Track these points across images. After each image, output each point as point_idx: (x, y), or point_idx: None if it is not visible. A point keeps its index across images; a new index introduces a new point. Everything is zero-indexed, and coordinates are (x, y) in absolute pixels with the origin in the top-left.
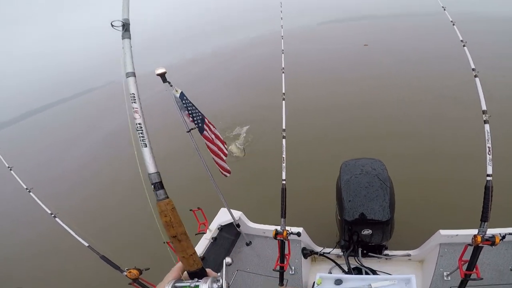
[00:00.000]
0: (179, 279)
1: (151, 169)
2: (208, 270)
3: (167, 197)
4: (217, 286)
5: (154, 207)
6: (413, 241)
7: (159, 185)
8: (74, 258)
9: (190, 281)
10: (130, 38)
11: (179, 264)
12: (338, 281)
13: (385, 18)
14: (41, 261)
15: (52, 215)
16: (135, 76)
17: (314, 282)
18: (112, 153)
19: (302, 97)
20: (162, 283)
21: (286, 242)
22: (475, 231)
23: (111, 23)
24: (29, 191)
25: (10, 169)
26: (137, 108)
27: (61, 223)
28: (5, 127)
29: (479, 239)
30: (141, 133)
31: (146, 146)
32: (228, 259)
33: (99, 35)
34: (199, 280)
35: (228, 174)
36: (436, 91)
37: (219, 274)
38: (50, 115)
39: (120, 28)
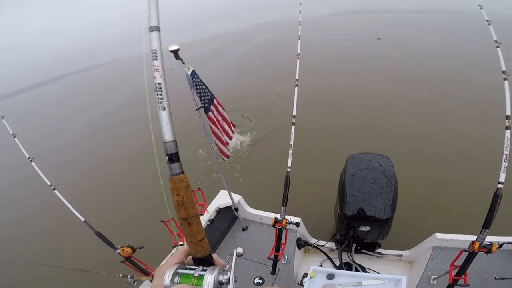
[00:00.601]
0: (182, 264)
1: (168, 136)
2: (215, 256)
3: (183, 172)
4: (224, 279)
5: (165, 182)
6: (406, 242)
7: (175, 157)
8: (69, 233)
9: (195, 268)
10: None
11: (184, 247)
12: (330, 276)
13: (407, 13)
14: (36, 234)
15: (52, 187)
16: (159, 31)
17: (305, 274)
18: (117, 126)
19: (312, 85)
20: (163, 267)
21: (284, 231)
22: (471, 237)
23: None
24: (31, 161)
25: (14, 137)
26: (158, 66)
27: (59, 195)
28: (11, 97)
29: (476, 245)
30: (160, 94)
31: (165, 110)
32: (239, 249)
33: (106, 10)
34: (205, 269)
35: (226, 159)
36: (456, 92)
37: (227, 264)
38: (53, 89)
39: None
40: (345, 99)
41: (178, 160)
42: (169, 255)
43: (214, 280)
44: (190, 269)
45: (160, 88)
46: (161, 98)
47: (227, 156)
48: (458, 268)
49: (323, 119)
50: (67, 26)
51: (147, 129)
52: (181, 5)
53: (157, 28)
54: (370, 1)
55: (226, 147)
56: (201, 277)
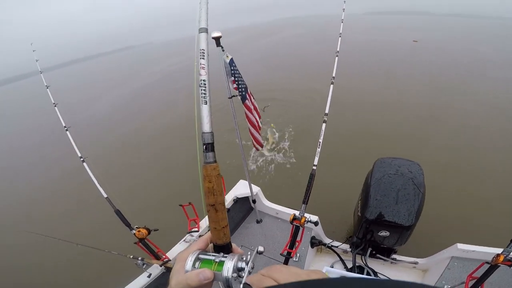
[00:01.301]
0: (204, 251)
1: (206, 128)
2: (233, 245)
3: (215, 161)
4: (243, 266)
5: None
6: (422, 250)
7: (210, 147)
8: (89, 209)
9: (216, 255)
10: None
11: (207, 235)
12: None
13: (446, 16)
14: (55, 205)
15: (81, 159)
16: (207, 33)
17: None
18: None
19: (344, 86)
20: (185, 252)
21: (301, 229)
22: (493, 250)
23: None
24: (67, 130)
25: (55, 106)
26: (204, 64)
27: (87, 168)
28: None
29: (501, 258)
30: (204, 89)
31: (206, 104)
32: (261, 248)
33: None
34: (225, 255)
35: (260, 148)
36: (493, 103)
37: (244, 255)
38: (92, 66)
39: None
40: (376, 103)
41: (213, 149)
42: (181, 244)
43: (234, 266)
44: (211, 255)
45: (205, 84)
46: (204, 93)
47: (261, 145)
48: (476, 280)
49: (352, 121)
50: (111, 5)
51: (174, 113)
52: None
53: (206, 30)
54: (409, 2)
55: (260, 135)
56: (221, 262)
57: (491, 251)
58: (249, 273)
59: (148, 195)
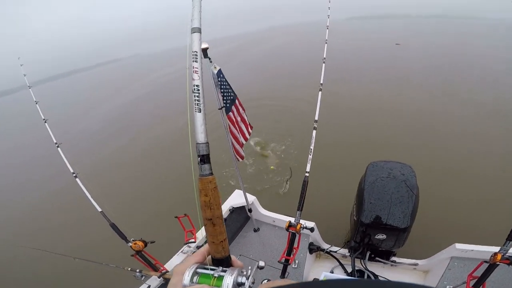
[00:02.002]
0: (202, 264)
1: (201, 138)
2: (233, 258)
3: (211, 174)
4: (242, 281)
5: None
6: (422, 251)
7: (206, 158)
8: (84, 223)
9: (215, 269)
10: None
11: (204, 247)
12: None
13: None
14: (50, 220)
15: (74, 175)
16: (200, 33)
17: (314, 279)
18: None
19: (331, 92)
20: (183, 265)
21: (297, 236)
22: (492, 248)
23: None
24: (58, 146)
25: (45, 122)
26: (197, 68)
27: (80, 184)
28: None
29: (499, 257)
30: (197, 96)
31: (200, 112)
32: (261, 263)
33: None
34: (224, 270)
35: (240, 159)
36: (485, 106)
37: (245, 269)
38: (73, 81)
39: None
40: (364, 108)
41: (208, 161)
42: (177, 253)
43: (233, 281)
44: (210, 269)
45: (198, 90)
46: (198, 100)
47: (242, 157)
48: (476, 279)
49: (342, 127)
50: (92, 19)
51: (167, 125)
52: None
53: (199, 30)
54: (390, 6)
55: (242, 148)
56: (220, 277)
57: (489, 250)
58: None
59: (144, 208)
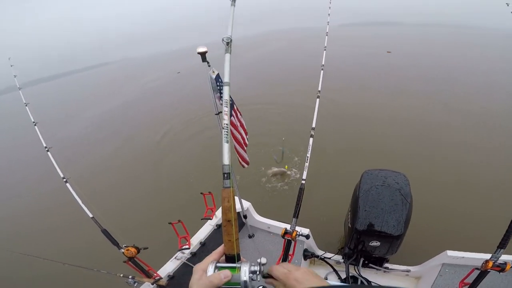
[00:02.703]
0: (218, 262)
1: (226, 161)
2: (241, 256)
3: (231, 186)
4: (255, 269)
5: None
6: (414, 258)
7: (227, 175)
8: (75, 229)
9: (231, 263)
10: (230, 53)
11: (219, 249)
12: None
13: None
14: (39, 225)
15: (64, 180)
16: (229, 86)
17: None
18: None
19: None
20: (202, 264)
21: (293, 243)
22: (482, 255)
23: (222, 38)
24: (48, 150)
25: (35, 125)
26: (227, 111)
27: (71, 189)
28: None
29: (490, 264)
30: (226, 131)
31: (228, 143)
32: (263, 260)
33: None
34: (239, 262)
35: (246, 165)
36: (475, 117)
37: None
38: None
39: (225, 44)
40: (355, 116)
41: (229, 177)
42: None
43: (249, 270)
44: (227, 264)
45: (227, 126)
46: (227, 135)
47: (247, 163)
48: (468, 286)
49: (336, 134)
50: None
51: (158, 130)
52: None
53: (228, 84)
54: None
55: (246, 153)
56: (238, 268)
57: (480, 257)
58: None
59: (136, 214)
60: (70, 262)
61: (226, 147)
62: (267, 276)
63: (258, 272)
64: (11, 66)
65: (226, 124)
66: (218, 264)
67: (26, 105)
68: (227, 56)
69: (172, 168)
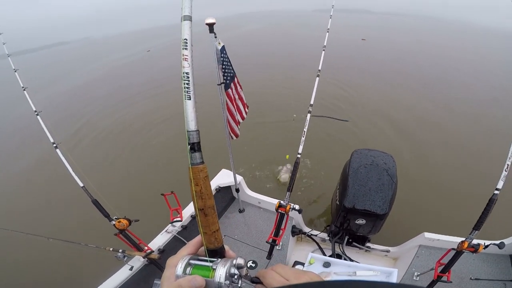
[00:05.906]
0: (195, 255)
1: (192, 126)
2: (226, 248)
3: (203, 162)
4: (234, 272)
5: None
6: (393, 239)
7: (196, 146)
8: (65, 201)
9: (207, 260)
10: None
11: (197, 238)
12: (327, 264)
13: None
14: (25, 196)
15: (54, 145)
16: (191, 21)
17: (295, 261)
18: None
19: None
20: (175, 258)
21: (285, 217)
22: (456, 239)
23: None
24: (37, 114)
25: (24, 89)
26: (187, 55)
27: (60, 155)
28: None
29: (465, 244)
30: (187, 83)
31: (190, 99)
32: (240, 260)
33: None
34: (217, 260)
35: (235, 137)
36: (455, 101)
37: (236, 258)
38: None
39: None
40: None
41: (199, 150)
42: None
43: (226, 272)
44: (203, 260)
45: (188, 77)
46: (188, 88)
47: (237, 135)
48: (444, 266)
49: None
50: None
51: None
52: None
53: (189, 18)
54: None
55: (238, 126)
56: (213, 269)
57: (454, 240)
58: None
59: (128, 186)
60: (55, 236)
61: (189, 105)
62: (257, 281)
63: (236, 276)
64: (0, 34)
65: (187, 73)
66: (192, 261)
67: (15, 71)
68: None
69: (171, 142)
